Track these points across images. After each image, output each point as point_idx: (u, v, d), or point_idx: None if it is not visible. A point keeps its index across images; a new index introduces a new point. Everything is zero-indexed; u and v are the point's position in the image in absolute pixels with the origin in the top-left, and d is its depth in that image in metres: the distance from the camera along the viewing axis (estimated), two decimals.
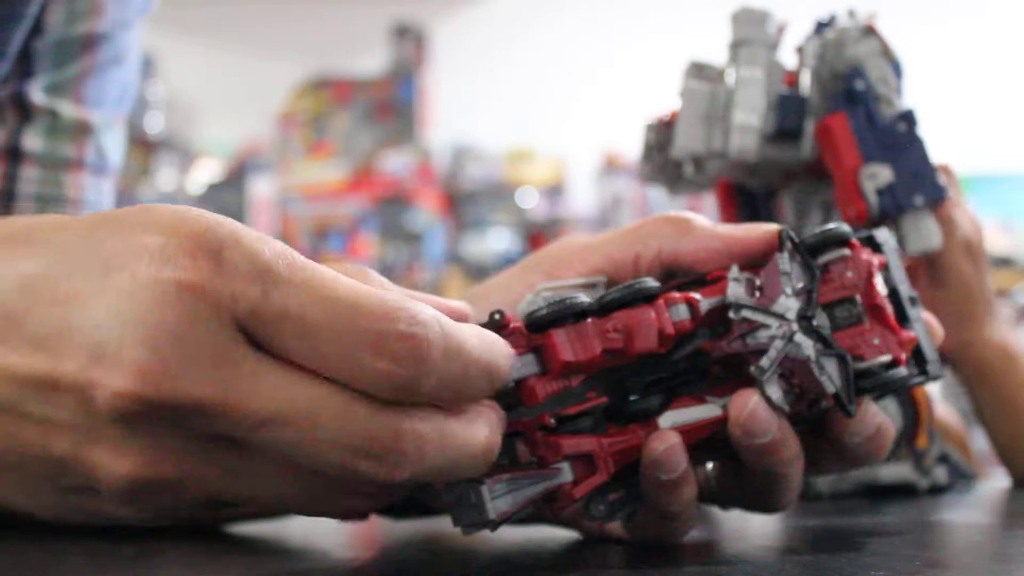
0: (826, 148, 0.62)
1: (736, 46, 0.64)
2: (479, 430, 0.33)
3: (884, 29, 0.65)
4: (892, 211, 0.61)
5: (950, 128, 0.66)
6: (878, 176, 0.61)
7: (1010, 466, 0.69)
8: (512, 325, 0.38)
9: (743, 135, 0.62)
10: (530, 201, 3.81)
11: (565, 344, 0.38)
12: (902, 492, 0.62)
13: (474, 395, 0.33)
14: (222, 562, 0.47)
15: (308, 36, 4.10)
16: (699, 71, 0.64)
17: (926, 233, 0.62)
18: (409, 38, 3.89)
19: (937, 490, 0.62)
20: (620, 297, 0.39)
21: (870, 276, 0.42)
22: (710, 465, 0.44)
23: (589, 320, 0.39)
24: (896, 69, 0.64)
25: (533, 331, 0.38)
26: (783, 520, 0.57)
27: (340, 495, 0.32)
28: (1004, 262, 3.19)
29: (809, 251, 0.42)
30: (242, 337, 0.29)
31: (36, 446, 0.30)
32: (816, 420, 0.42)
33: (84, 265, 0.30)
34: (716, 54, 0.66)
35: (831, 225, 0.42)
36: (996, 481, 0.75)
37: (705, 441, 0.40)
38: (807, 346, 0.40)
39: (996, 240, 3.31)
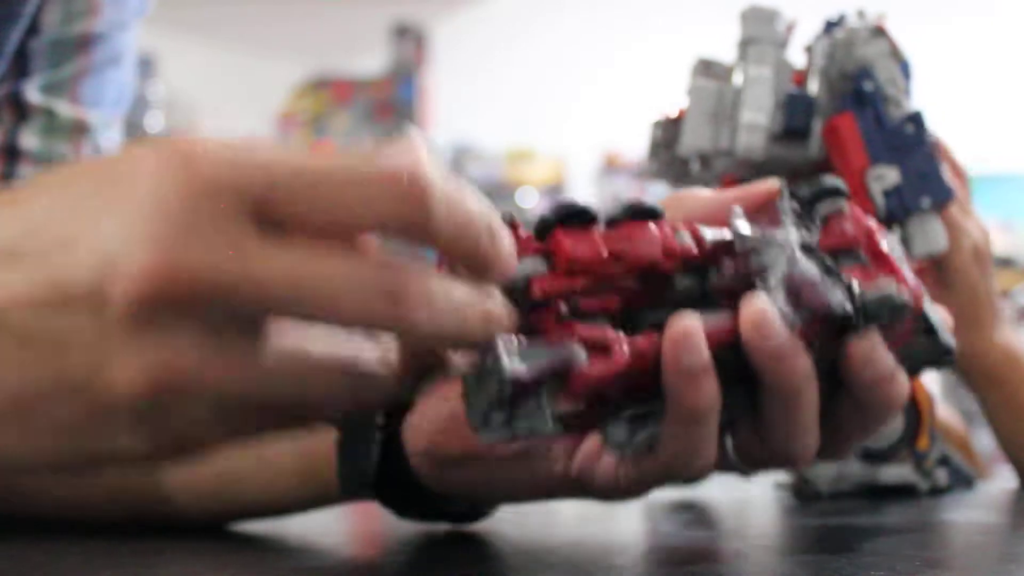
0: (833, 148, 0.62)
1: (745, 44, 0.64)
2: (485, 297, 0.33)
3: (889, 29, 0.65)
4: (899, 213, 0.61)
5: (950, 128, 0.67)
6: (885, 178, 0.61)
7: (1020, 468, 0.69)
8: (521, 230, 0.38)
9: (750, 134, 0.62)
10: (530, 201, 3.81)
11: (570, 242, 0.38)
12: (903, 493, 0.62)
13: (479, 254, 0.33)
14: (222, 561, 0.47)
15: (308, 36, 4.10)
16: (707, 68, 0.64)
17: (932, 235, 0.62)
18: (409, 38, 3.90)
19: (937, 491, 0.62)
20: (626, 211, 0.39)
21: (869, 229, 0.41)
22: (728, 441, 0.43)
23: (594, 227, 0.39)
24: (904, 70, 0.64)
25: (540, 237, 0.38)
26: (783, 520, 0.57)
27: (355, 385, 0.32)
28: (1004, 262, 3.19)
29: (807, 204, 0.42)
30: (252, 227, 0.30)
31: (50, 371, 0.30)
32: (829, 370, 0.41)
33: (82, 192, 0.30)
34: (716, 54, 0.66)
35: (824, 177, 0.43)
36: (997, 482, 0.75)
37: (718, 364, 0.39)
38: (811, 267, 0.40)
39: (996, 240, 3.30)
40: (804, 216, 0.42)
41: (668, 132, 0.65)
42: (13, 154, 0.63)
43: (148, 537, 0.52)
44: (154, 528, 0.55)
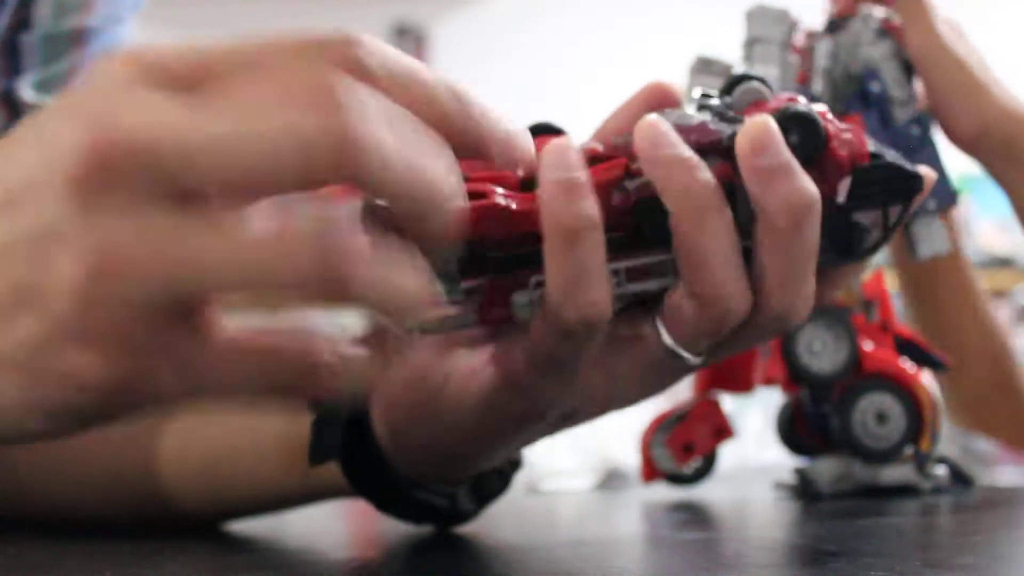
0: None
1: (750, 44, 0.64)
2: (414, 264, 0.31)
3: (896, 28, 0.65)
4: None
5: (966, 154, 0.67)
6: None
7: None
8: None
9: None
10: None
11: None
12: (904, 493, 0.62)
13: (446, 116, 0.32)
14: (221, 561, 0.47)
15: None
16: (706, 66, 0.64)
17: (938, 237, 0.62)
18: (409, 38, 3.90)
19: (938, 491, 0.62)
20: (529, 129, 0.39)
21: (793, 98, 0.40)
22: None
23: None
24: (908, 71, 0.64)
25: None
26: (783, 520, 0.57)
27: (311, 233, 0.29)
28: (1004, 262, 3.19)
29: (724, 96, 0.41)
30: (171, 88, 0.29)
31: (2, 276, 0.29)
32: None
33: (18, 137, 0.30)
34: (714, 52, 0.66)
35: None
36: (996, 482, 0.75)
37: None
38: (702, 115, 0.39)
39: (996, 240, 3.31)
40: (722, 107, 0.41)
41: None
42: None
43: (148, 537, 0.52)
44: (152, 528, 0.55)
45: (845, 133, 0.40)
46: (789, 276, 0.39)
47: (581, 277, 0.36)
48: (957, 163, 0.67)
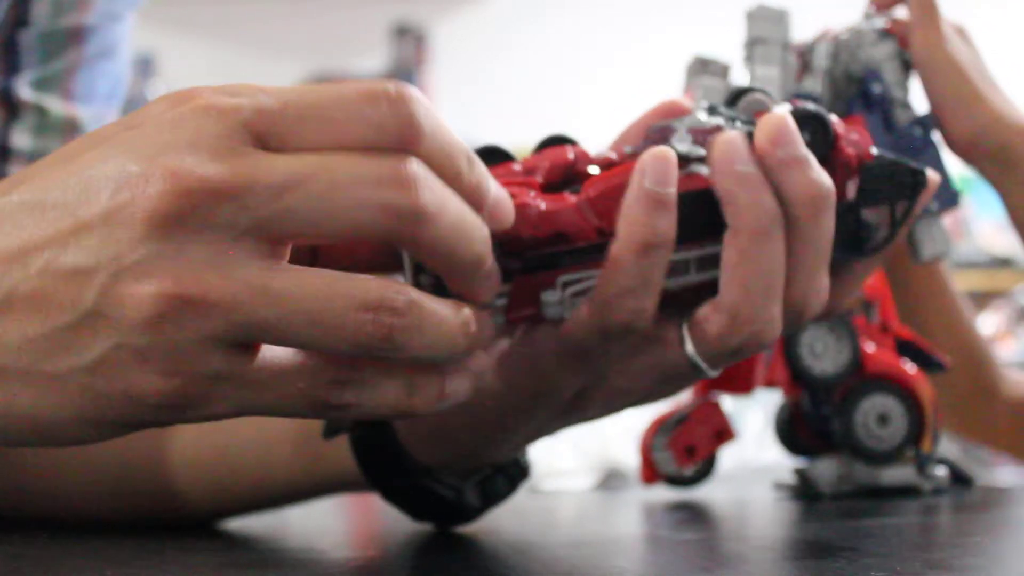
0: None
1: (752, 44, 0.64)
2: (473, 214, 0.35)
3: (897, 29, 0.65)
4: None
5: (961, 159, 0.67)
6: None
7: None
8: None
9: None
10: None
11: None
12: (905, 494, 0.62)
13: (464, 177, 0.34)
14: (221, 561, 0.47)
15: (308, 36, 4.10)
16: (704, 66, 0.64)
17: (940, 239, 0.62)
18: (409, 38, 3.89)
19: (939, 492, 0.63)
20: (545, 141, 0.42)
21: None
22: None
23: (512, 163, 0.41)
24: (909, 72, 0.65)
25: None
26: (783, 521, 0.57)
27: (364, 302, 0.32)
28: (1004, 262, 3.19)
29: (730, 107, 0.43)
30: (252, 141, 0.32)
31: (67, 306, 0.31)
32: None
33: (101, 141, 0.33)
34: (712, 52, 0.66)
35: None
36: (996, 482, 0.75)
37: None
38: (715, 119, 0.40)
39: (996, 240, 3.30)
40: (730, 114, 0.42)
41: None
42: (4, 153, 0.62)
43: (150, 536, 0.52)
44: (159, 523, 0.55)
45: (852, 133, 0.41)
46: (806, 266, 0.40)
47: (640, 287, 0.38)
48: (959, 165, 0.67)
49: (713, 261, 0.40)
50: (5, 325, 0.32)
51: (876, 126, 0.62)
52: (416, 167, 0.32)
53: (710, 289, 0.40)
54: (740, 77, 0.63)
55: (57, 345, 0.32)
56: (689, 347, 0.41)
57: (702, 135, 0.40)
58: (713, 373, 0.41)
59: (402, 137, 0.32)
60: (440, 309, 0.33)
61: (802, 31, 0.66)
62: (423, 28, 3.93)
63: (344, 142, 0.32)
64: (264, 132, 0.32)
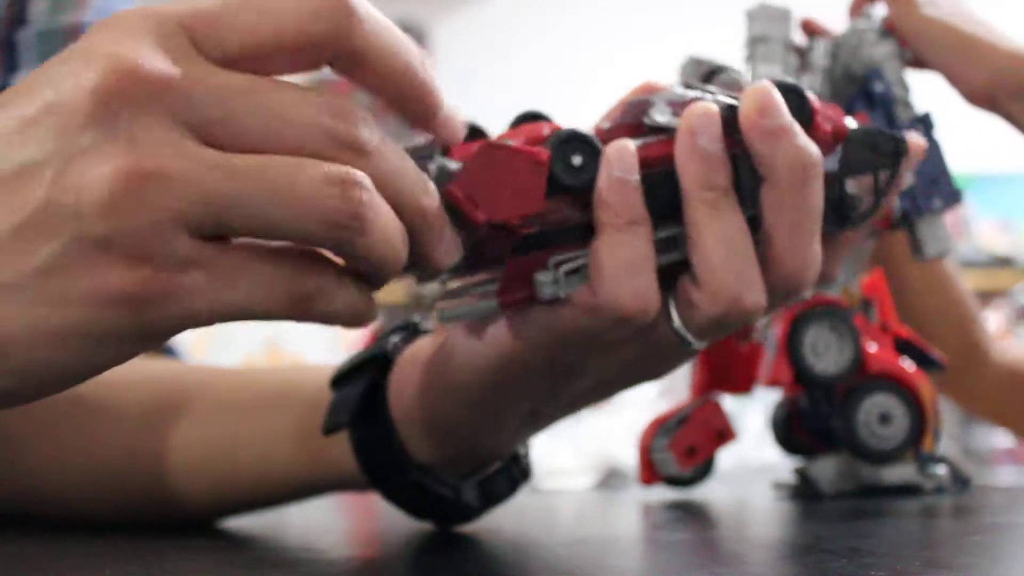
0: None
1: (753, 43, 0.64)
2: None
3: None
4: (912, 214, 0.62)
5: (950, 127, 0.67)
6: None
7: None
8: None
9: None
10: None
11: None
12: (905, 493, 0.62)
13: (414, 81, 0.34)
14: (221, 560, 0.47)
15: None
16: (698, 66, 0.64)
17: (942, 236, 0.62)
18: (409, 38, 3.90)
19: (940, 491, 0.63)
20: (517, 118, 0.43)
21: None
22: None
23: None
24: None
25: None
26: (782, 520, 0.57)
27: (326, 176, 0.31)
28: (1004, 262, 3.19)
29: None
30: (190, 41, 0.31)
31: (16, 207, 0.30)
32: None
33: (50, 62, 0.32)
34: (705, 52, 0.66)
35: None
36: (996, 482, 0.75)
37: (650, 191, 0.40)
38: (694, 92, 0.41)
39: (996, 240, 3.30)
40: (707, 89, 0.43)
41: None
42: None
43: (150, 536, 0.52)
44: (155, 523, 0.55)
45: (828, 110, 0.42)
46: (797, 235, 0.40)
47: (640, 263, 0.39)
48: (958, 163, 0.67)
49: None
50: None
51: (880, 124, 0.62)
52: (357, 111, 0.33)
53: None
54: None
55: (10, 250, 0.30)
56: (676, 321, 0.41)
57: (680, 107, 0.40)
58: (700, 345, 0.41)
59: (339, 39, 0.33)
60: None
61: (801, 30, 0.66)
62: (423, 28, 3.94)
63: (278, 45, 0.32)
64: (198, 38, 0.32)
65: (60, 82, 0.30)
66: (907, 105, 0.64)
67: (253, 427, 0.54)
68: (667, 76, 0.66)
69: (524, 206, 0.38)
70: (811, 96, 0.41)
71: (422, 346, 0.48)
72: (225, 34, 0.32)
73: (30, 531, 0.55)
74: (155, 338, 0.32)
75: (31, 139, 0.30)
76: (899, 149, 0.43)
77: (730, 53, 0.65)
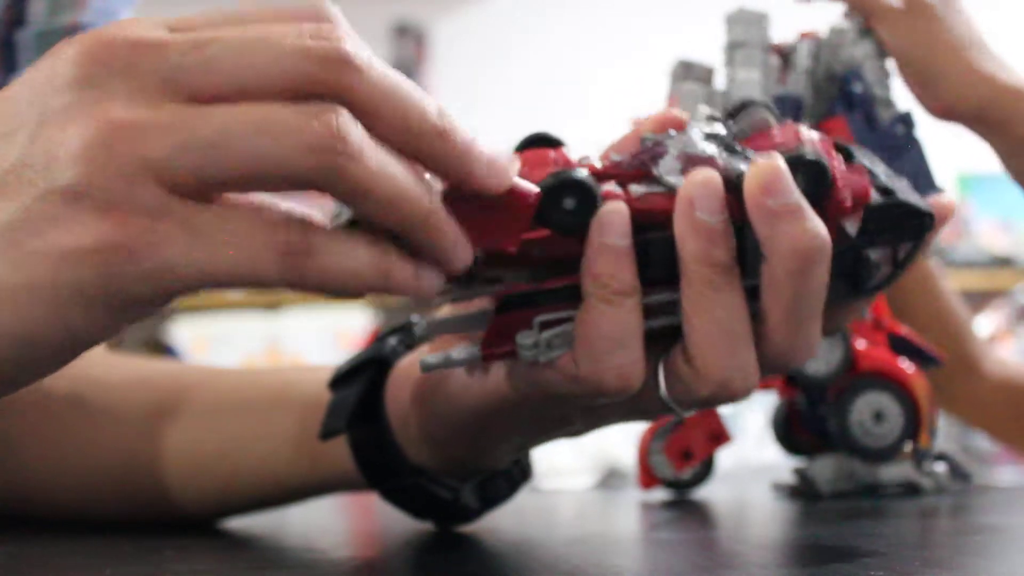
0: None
1: (732, 48, 0.64)
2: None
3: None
4: None
5: (951, 127, 0.66)
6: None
7: None
8: None
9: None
10: None
11: None
12: (905, 492, 0.62)
13: (421, 128, 0.33)
14: (221, 560, 0.47)
15: None
16: (687, 70, 0.64)
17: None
18: (409, 38, 3.90)
19: (940, 489, 0.63)
20: (526, 140, 0.40)
21: (797, 131, 0.39)
22: None
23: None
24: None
25: None
26: (782, 521, 0.57)
27: (300, 124, 0.30)
28: (1004, 262, 3.19)
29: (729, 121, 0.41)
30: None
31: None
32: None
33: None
34: (696, 56, 0.66)
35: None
36: (996, 481, 0.75)
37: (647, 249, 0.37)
38: (711, 146, 0.38)
39: (996, 240, 3.30)
40: (728, 137, 0.40)
41: None
42: None
43: (149, 536, 0.52)
44: (155, 524, 0.55)
45: (853, 175, 0.39)
46: (794, 319, 0.38)
47: (625, 335, 0.37)
48: (958, 163, 0.67)
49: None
50: None
51: (858, 125, 0.62)
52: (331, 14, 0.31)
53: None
54: (723, 80, 0.63)
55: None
56: (663, 391, 0.39)
57: (692, 164, 0.38)
58: (687, 414, 0.40)
59: (330, 74, 0.31)
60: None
61: (784, 32, 0.66)
62: (423, 28, 3.94)
63: (262, 87, 0.30)
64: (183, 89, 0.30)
65: (42, 60, 0.31)
66: (888, 104, 0.64)
67: (252, 428, 0.54)
68: (665, 76, 0.66)
69: (501, 242, 0.36)
70: (835, 164, 0.39)
71: (415, 362, 0.47)
72: (198, 86, 0.30)
73: (30, 531, 0.55)
74: (127, 301, 0.30)
75: (8, 111, 0.30)
76: (924, 223, 0.40)
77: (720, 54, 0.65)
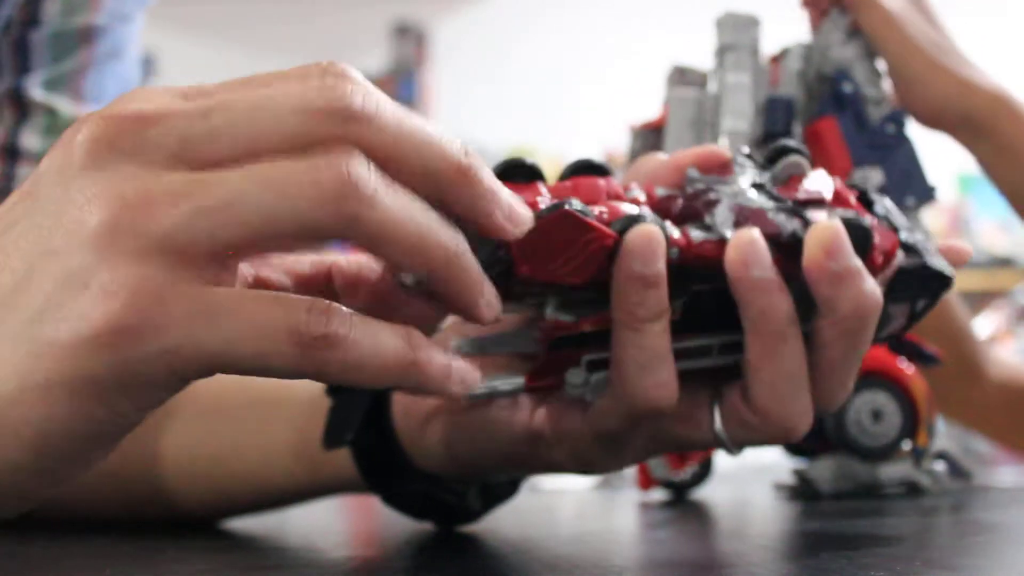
0: (816, 152, 0.63)
1: (722, 51, 0.64)
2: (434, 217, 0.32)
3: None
4: None
5: (935, 132, 0.67)
6: (869, 179, 0.62)
7: None
8: None
9: (732, 140, 0.62)
10: None
11: (513, 190, 0.36)
12: (905, 491, 0.62)
13: (437, 168, 0.32)
14: (221, 561, 0.47)
15: (308, 36, 4.10)
16: (682, 75, 0.65)
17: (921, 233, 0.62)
18: (409, 38, 3.90)
19: (939, 487, 0.63)
20: (574, 166, 0.40)
21: (835, 186, 0.41)
22: (717, 417, 0.41)
23: (539, 183, 0.39)
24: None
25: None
26: (782, 521, 0.57)
27: (312, 164, 0.30)
28: (1004, 262, 3.19)
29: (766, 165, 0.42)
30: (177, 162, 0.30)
31: (16, 268, 0.30)
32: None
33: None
34: (691, 60, 0.66)
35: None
36: (996, 482, 0.75)
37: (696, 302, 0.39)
38: (761, 199, 0.40)
39: (996, 240, 3.30)
40: (758, 165, 0.42)
41: (647, 141, 0.66)
42: (14, 154, 0.62)
43: (149, 536, 0.52)
44: (153, 526, 0.55)
45: (884, 240, 0.41)
46: (842, 369, 0.40)
47: (652, 360, 0.38)
48: (958, 164, 0.67)
49: (736, 347, 0.40)
50: None
51: (849, 125, 0.62)
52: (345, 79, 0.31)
53: (735, 370, 0.40)
54: (714, 85, 0.63)
55: (8, 305, 0.29)
56: (719, 426, 0.41)
57: (743, 215, 0.39)
58: (737, 453, 0.42)
59: (337, 121, 0.30)
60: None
61: (776, 37, 0.66)
62: (423, 28, 3.94)
63: (271, 147, 0.30)
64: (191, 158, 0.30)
65: (56, 146, 0.31)
66: (879, 103, 0.64)
67: (249, 434, 0.54)
68: (662, 79, 0.66)
69: (571, 275, 0.36)
70: (874, 225, 0.41)
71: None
72: (210, 152, 0.30)
73: (30, 531, 0.55)
74: (142, 386, 0.30)
75: (21, 203, 0.31)
76: (944, 284, 0.43)
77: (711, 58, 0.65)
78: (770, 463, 0.85)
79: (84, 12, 0.62)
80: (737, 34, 0.63)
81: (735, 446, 0.41)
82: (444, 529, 0.51)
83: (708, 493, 0.67)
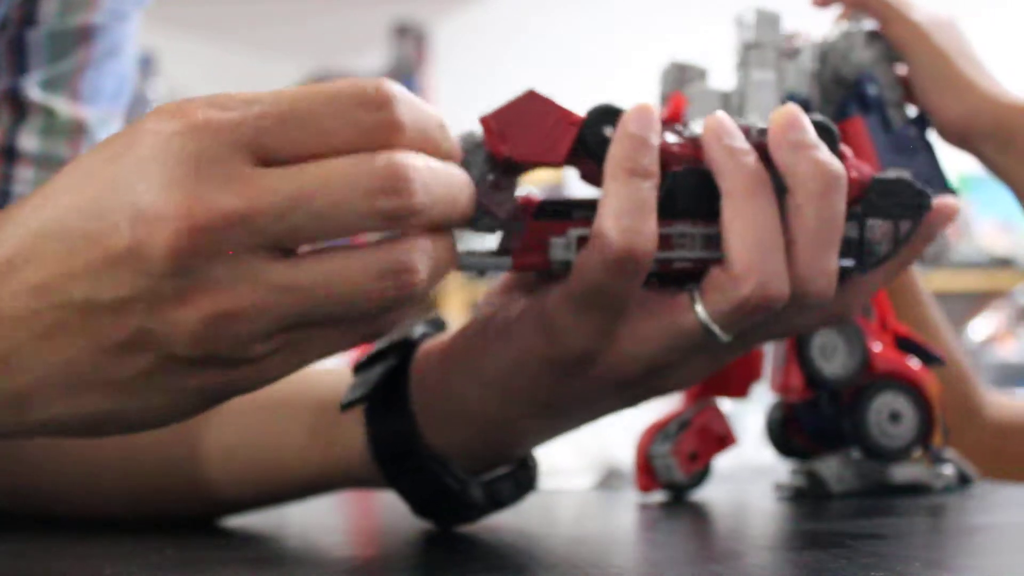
0: None
1: (746, 49, 0.64)
2: (457, 169, 0.39)
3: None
4: None
5: (950, 146, 0.67)
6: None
7: None
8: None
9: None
10: None
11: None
12: (913, 492, 0.62)
13: (438, 148, 0.38)
14: (221, 560, 0.47)
15: (308, 36, 4.10)
16: (680, 72, 0.64)
17: (939, 239, 0.62)
18: (409, 38, 3.89)
19: (948, 489, 0.63)
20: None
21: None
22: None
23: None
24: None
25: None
26: (782, 521, 0.57)
27: (392, 286, 0.36)
28: (1004, 262, 3.19)
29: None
30: (250, 159, 0.34)
31: (112, 333, 0.35)
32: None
33: (96, 166, 0.35)
34: (716, 55, 0.66)
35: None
36: (995, 481, 0.75)
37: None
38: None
39: (996, 240, 3.30)
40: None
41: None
42: (11, 155, 0.62)
43: (150, 536, 0.52)
44: (154, 525, 0.55)
45: (861, 164, 0.45)
46: (815, 243, 0.42)
47: (633, 209, 0.41)
48: (958, 163, 0.67)
49: (715, 245, 0.43)
50: (47, 351, 0.35)
51: (875, 128, 0.62)
52: (405, 168, 0.36)
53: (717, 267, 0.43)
54: (724, 81, 0.63)
55: (109, 362, 0.35)
56: (700, 309, 0.43)
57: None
58: (726, 337, 0.43)
59: (388, 138, 0.36)
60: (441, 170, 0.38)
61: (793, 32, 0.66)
62: (423, 28, 3.93)
63: (335, 147, 0.35)
64: (260, 146, 0.35)
65: (136, 224, 0.34)
66: (899, 106, 0.64)
67: (263, 418, 0.54)
68: (658, 78, 0.66)
69: (545, 155, 0.41)
70: (843, 147, 0.44)
71: (447, 334, 0.50)
72: (281, 149, 0.35)
73: (30, 531, 0.55)
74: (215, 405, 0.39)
75: (120, 279, 0.34)
76: (922, 203, 0.45)
77: (730, 56, 0.65)
78: (770, 464, 0.85)
79: (82, 11, 0.62)
80: (761, 31, 0.63)
81: (716, 323, 0.43)
82: (444, 529, 0.51)
83: (707, 494, 0.67)
